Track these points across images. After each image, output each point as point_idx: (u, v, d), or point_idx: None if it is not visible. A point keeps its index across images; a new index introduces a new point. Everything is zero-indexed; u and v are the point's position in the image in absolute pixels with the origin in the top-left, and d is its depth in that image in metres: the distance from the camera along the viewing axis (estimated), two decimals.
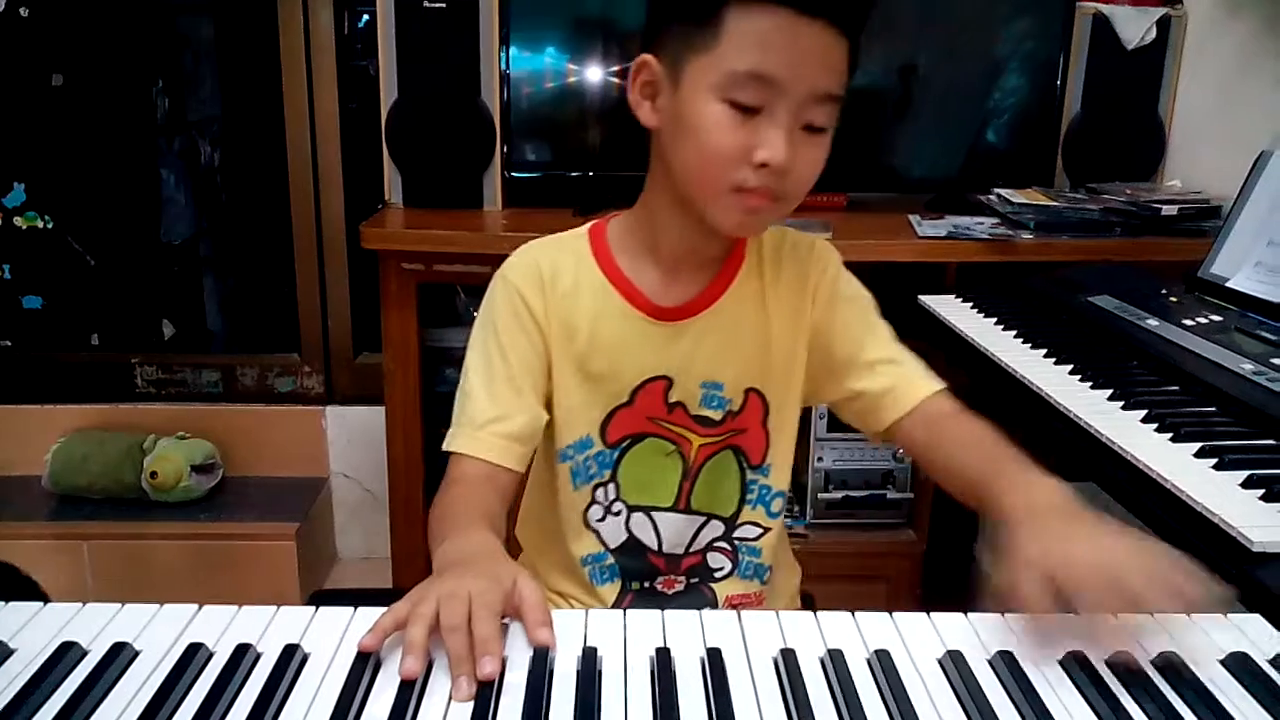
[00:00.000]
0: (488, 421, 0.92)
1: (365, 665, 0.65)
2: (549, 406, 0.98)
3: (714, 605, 1.04)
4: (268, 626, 0.70)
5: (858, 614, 0.73)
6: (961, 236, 1.76)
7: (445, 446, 0.93)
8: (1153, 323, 1.30)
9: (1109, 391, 1.12)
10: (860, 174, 1.99)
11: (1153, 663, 0.68)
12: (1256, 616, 0.73)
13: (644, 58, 0.89)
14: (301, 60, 2.23)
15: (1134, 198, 1.81)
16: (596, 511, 1.01)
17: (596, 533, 1.02)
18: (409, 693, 0.62)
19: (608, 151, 1.99)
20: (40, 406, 2.32)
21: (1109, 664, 0.68)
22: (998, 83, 2.02)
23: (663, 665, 0.66)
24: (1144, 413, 1.05)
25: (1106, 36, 1.95)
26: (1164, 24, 1.95)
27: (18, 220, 2.34)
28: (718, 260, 0.97)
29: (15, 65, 2.27)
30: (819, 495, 1.94)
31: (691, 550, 1.03)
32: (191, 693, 0.63)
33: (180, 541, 2.15)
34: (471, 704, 0.62)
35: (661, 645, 0.69)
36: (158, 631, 0.69)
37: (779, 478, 1.03)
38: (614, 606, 1.02)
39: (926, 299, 1.57)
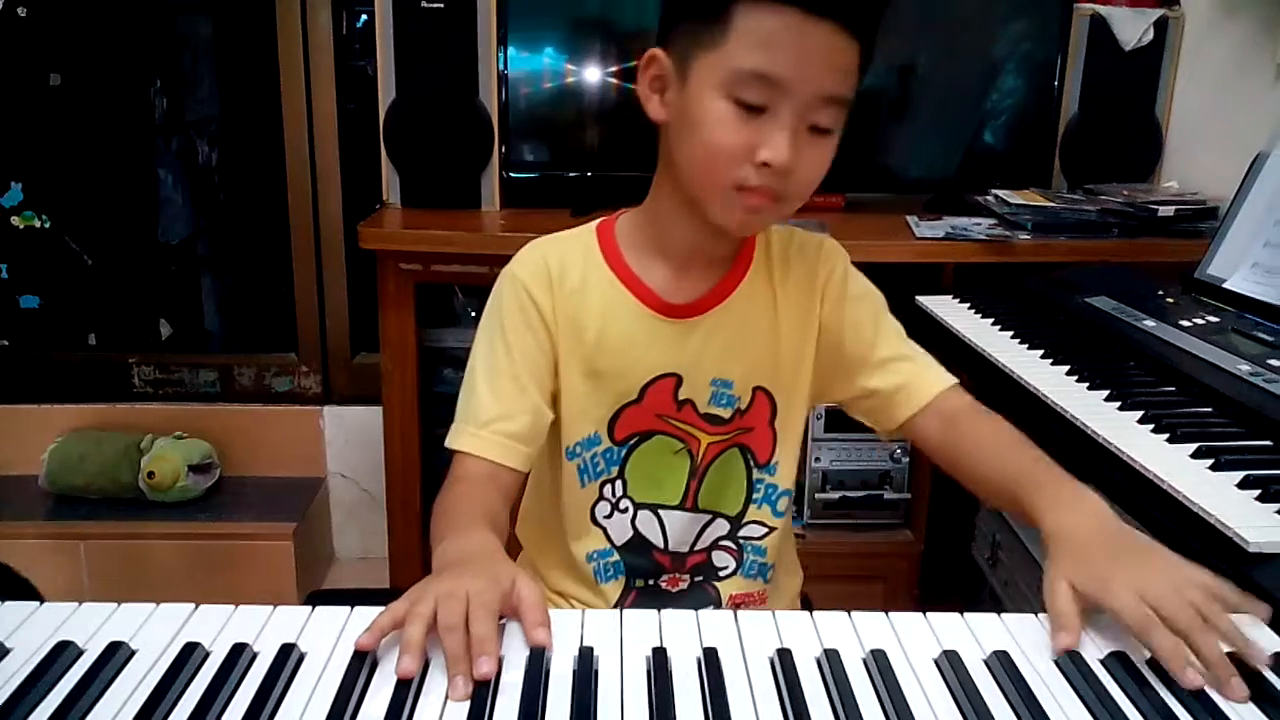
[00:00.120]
0: (491, 420, 0.92)
1: (362, 664, 0.65)
2: (555, 404, 0.97)
3: (717, 604, 1.04)
4: (264, 626, 0.70)
5: (854, 614, 0.73)
6: (959, 237, 1.76)
7: (448, 443, 0.93)
8: (1150, 323, 1.31)
9: (1106, 392, 1.12)
10: (858, 174, 1.99)
11: (1148, 662, 0.68)
12: (1253, 617, 0.73)
13: (654, 51, 0.89)
14: (300, 60, 2.23)
15: (1131, 199, 1.81)
16: (604, 508, 1.01)
17: (603, 529, 1.02)
18: (405, 692, 0.62)
19: (606, 152, 1.99)
20: (37, 406, 2.32)
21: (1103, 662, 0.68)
22: (995, 84, 2.02)
23: (659, 665, 0.66)
24: (1141, 413, 1.06)
25: (1104, 38, 1.95)
26: (1161, 25, 1.95)
27: (15, 220, 2.34)
28: (727, 258, 0.97)
29: (13, 64, 2.27)
30: (816, 495, 1.94)
31: (697, 549, 1.03)
32: (188, 692, 0.63)
33: (177, 541, 2.14)
34: (468, 703, 0.62)
35: (658, 645, 0.69)
36: (154, 631, 0.69)
37: (785, 477, 1.03)
38: (617, 604, 1.03)
39: (924, 300, 1.58)
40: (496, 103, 1.89)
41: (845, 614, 0.73)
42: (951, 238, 1.76)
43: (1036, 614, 0.74)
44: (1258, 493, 0.87)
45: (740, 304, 0.97)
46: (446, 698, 0.63)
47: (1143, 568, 0.73)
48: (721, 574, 1.04)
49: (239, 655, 0.66)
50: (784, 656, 0.68)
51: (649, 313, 0.96)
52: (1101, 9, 1.95)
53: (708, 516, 1.02)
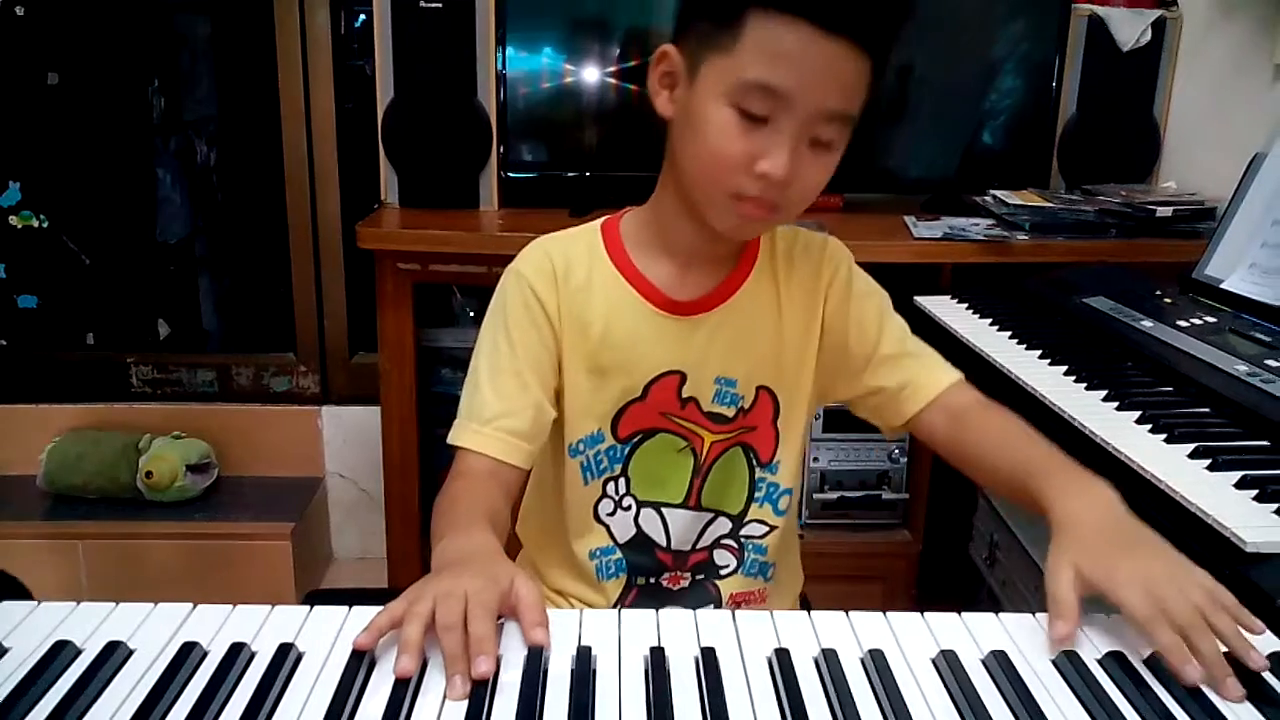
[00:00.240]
0: (494, 416, 0.92)
1: (360, 664, 0.65)
2: (558, 401, 0.97)
3: (718, 602, 1.04)
4: (262, 625, 0.70)
5: (852, 614, 0.73)
6: (957, 238, 1.76)
7: (450, 439, 0.93)
8: (1147, 324, 1.31)
9: (1104, 392, 1.12)
10: (856, 175, 1.99)
11: (1145, 662, 0.68)
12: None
13: (666, 48, 0.88)
14: (298, 60, 2.22)
15: (1129, 199, 1.81)
16: (607, 505, 1.01)
17: (606, 527, 1.02)
18: (403, 691, 0.62)
19: (604, 152, 1.99)
20: (35, 406, 2.32)
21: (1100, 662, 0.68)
22: (993, 84, 2.02)
23: (657, 665, 0.66)
24: (1138, 414, 1.06)
25: (1102, 38, 1.96)
26: (1159, 26, 1.95)
27: (13, 219, 2.34)
28: (731, 257, 0.97)
29: (11, 63, 2.27)
30: (814, 495, 1.94)
31: (698, 547, 1.03)
32: (186, 691, 0.63)
33: (175, 541, 2.14)
34: (466, 703, 0.62)
35: (656, 645, 0.69)
36: (152, 630, 0.69)
37: (787, 476, 1.03)
38: (618, 602, 1.03)
39: (922, 300, 1.58)
40: (495, 102, 1.89)
41: (843, 614, 0.73)
42: (949, 238, 1.76)
43: (1034, 614, 0.74)
44: (1255, 493, 0.87)
45: (745, 302, 0.97)
46: (444, 697, 0.63)
47: (1149, 561, 0.73)
48: (723, 572, 1.04)
49: (237, 655, 0.66)
50: (782, 656, 0.68)
51: (653, 310, 0.96)
52: (1099, 9, 1.95)
53: (710, 515, 1.02)
